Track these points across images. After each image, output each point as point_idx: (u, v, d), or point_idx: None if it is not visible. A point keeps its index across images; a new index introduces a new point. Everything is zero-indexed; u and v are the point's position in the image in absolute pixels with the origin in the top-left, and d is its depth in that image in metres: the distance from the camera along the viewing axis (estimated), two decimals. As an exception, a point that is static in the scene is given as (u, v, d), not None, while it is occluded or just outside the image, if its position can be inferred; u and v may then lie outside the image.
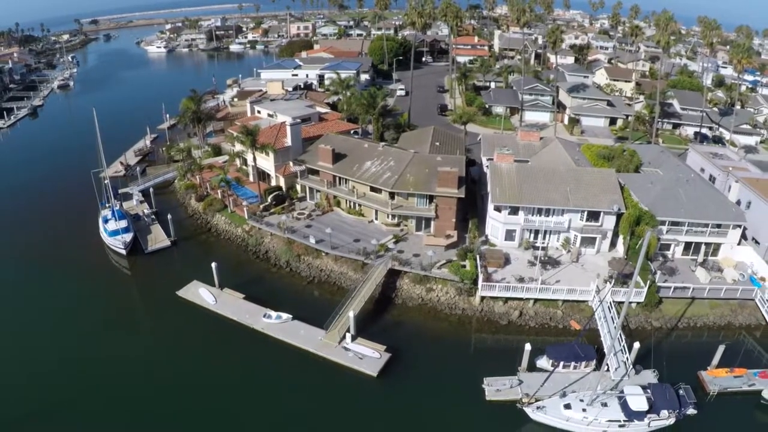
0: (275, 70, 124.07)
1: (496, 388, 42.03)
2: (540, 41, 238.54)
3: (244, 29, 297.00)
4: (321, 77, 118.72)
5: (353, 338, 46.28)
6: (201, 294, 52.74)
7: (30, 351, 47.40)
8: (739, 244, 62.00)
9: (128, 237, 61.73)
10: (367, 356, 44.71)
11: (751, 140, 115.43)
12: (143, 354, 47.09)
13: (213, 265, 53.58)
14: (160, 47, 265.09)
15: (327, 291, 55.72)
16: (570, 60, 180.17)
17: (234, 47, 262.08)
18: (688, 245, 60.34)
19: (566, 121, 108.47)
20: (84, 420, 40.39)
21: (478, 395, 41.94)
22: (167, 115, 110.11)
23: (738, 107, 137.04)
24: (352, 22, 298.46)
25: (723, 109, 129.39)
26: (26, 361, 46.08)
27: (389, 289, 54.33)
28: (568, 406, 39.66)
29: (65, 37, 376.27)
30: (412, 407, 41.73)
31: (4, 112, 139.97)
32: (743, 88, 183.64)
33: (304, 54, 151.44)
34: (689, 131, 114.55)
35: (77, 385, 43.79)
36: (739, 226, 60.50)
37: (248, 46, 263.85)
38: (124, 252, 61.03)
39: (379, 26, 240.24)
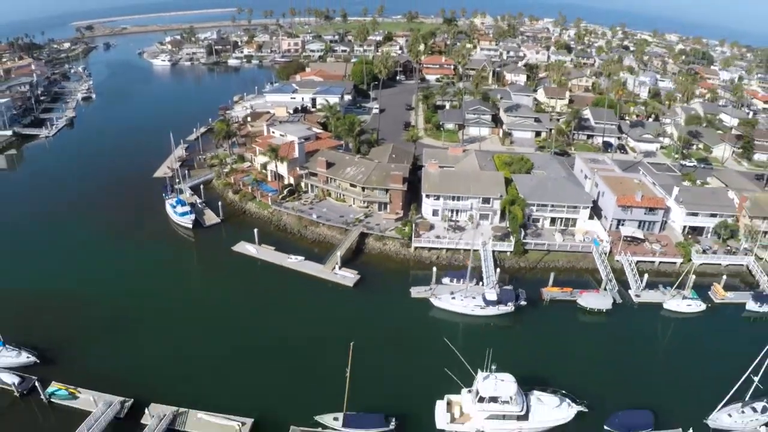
0: (277, 94, 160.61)
1: (417, 291, 78.91)
2: (505, 56, 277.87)
3: (240, 43, 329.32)
4: (314, 100, 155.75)
5: (339, 268, 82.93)
6: (247, 248, 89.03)
7: (132, 283, 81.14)
8: (591, 218, 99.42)
9: (192, 217, 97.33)
10: (347, 277, 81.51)
11: (652, 147, 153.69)
12: (211, 282, 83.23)
13: (255, 230, 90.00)
14: (164, 61, 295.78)
15: (323, 246, 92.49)
16: (523, 77, 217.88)
17: (232, 61, 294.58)
18: (553, 219, 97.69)
19: (501, 134, 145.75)
20: (179, 319, 75.76)
21: (407, 296, 78.80)
22: (195, 129, 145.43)
23: (651, 120, 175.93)
24: (337, 37, 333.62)
25: (633, 121, 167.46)
26: (131, 289, 79.42)
27: (361, 243, 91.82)
28: (453, 297, 76.46)
29: (66, 45, 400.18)
30: (371, 302, 78.46)
31: (47, 123, 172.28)
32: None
33: (298, 77, 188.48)
34: (599, 141, 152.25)
35: (173, 300, 78.87)
36: (587, 207, 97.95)
37: (244, 60, 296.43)
38: (190, 227, 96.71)
39: (361, 45, 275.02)
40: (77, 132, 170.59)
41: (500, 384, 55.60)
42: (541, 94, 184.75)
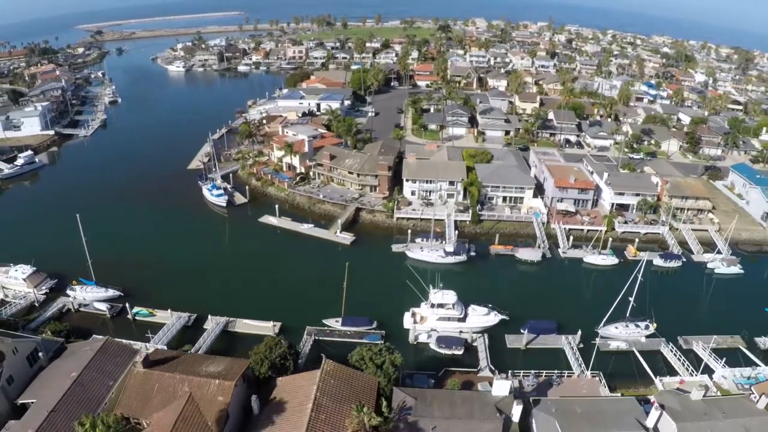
0: (287, 100, 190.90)
1: (396, 247, 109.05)
2: (492, 62, 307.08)
3: (248, 50, 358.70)
4: (318, 105, 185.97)
5: (340, 232, 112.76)
6: (270, 219, 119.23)
7: (185, 243, 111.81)
8: (535, 197, 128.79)
9: (226, 198, 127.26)
10: (346, 238, 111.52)
11: (606, 143, 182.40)
12: (244, 242, 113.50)
13: (276, 206, 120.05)
14: (179, 67, 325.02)
15: (328, 217, 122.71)
16: (504, 83, 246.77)
17: (241, 68, 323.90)
18: (505, 198, 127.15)
19: (476, 133, 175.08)
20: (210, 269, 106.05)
21: (389, 250, 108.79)
22: (218, 129, 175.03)
23: (610, 120, 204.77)
24: (338, 44, 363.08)
25: (592, 121, 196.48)
26: (185, 246, 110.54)
27: (356, 215, 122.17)
28: (422, 250, 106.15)
29: (80, 50, 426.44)
30: (363, 253, 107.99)
31: (84, 124, 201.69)
32: (645, 100, 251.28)
33: (304, 85, 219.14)
34: (560, 137, 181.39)
35: (216, 252, 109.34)
36: (531, 188, 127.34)
37: (253, 66, 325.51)
38: (224, 205, 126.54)
39: (360, 54, 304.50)
40: (110, 132, 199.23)
41: (445, 295, 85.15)
42: (517, 98, 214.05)
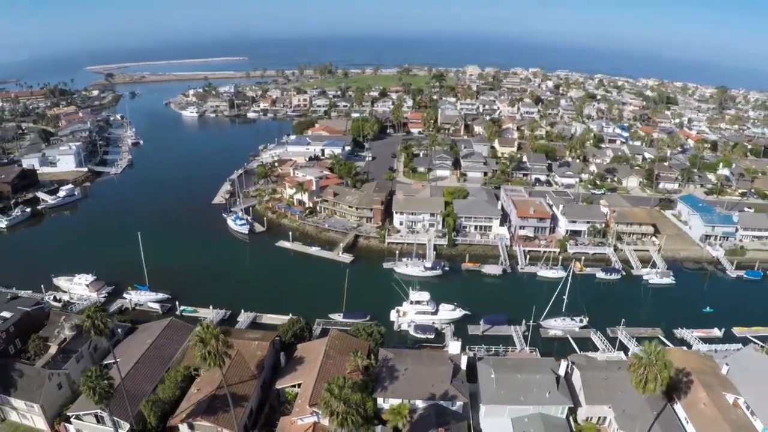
0: (295, 146, 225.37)
1: (386, 264, 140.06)
2: (481, 108, 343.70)
3: (256, 97, 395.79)
4: (323, 150, 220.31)
5: (342, 253, 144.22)
6: (284, 244, 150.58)
7: (216, 261, 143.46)
8: (501, 225, 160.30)
9: (247, 227, 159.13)
10: (347, 258, 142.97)
11: (572, 181, 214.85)
12: (264, 261, 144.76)
13: (289, 233, 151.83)
14: (193, 112, 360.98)
15: (332, 243, 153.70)
16: (493, 127, 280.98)
17: (251, 114, 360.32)
18: (477, 226, 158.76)
19: (459, 175, 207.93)
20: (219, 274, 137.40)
21: (380, 267, 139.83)
22: (236, 171, 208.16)
23: (579, 161, 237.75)
24: (339, 92, 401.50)
25: (561, 162, 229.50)
26: (217, 263, 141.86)
27: (355, 240, 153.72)
28: (407, 266, 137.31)
29: (95, 92, 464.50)
30: (359, 269, 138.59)
31: (115, 163, 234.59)
32: (618, 141, 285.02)
33: (309, 132, 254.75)
34: (532, 177, 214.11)
35: (243, 268, 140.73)
36: (497, 218, 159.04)
37: (261, 113, 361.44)
38: (246, 233, 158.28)
39: (360, 104, 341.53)
40: (137, 171, 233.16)
41: (422, 294, 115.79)
42: (497, 143, 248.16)
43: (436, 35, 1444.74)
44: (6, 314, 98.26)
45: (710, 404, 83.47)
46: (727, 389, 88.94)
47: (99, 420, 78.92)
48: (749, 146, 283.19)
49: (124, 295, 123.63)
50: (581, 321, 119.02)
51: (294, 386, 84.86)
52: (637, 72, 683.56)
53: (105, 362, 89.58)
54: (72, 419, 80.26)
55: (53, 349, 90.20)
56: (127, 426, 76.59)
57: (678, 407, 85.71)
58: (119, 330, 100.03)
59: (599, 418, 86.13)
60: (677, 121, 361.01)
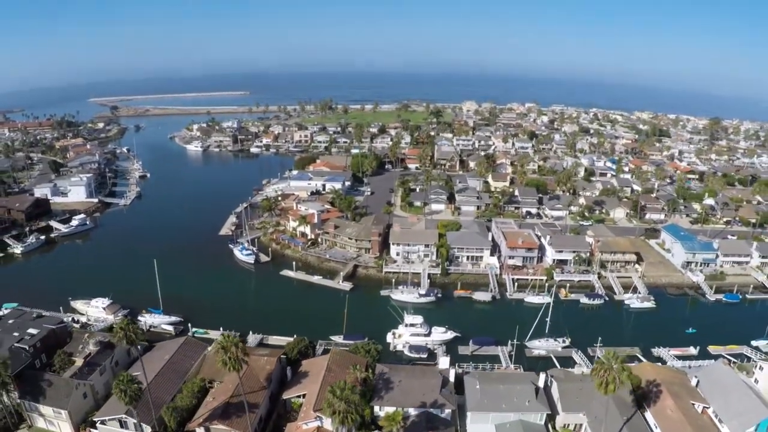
0: (298, 181, 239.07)
1: (383, 292, 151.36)
2: (477, 144, 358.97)
3: (258, 133, 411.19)
4: (324, 185, 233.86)
5: (342, 281, 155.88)
6: (288, 273, 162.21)
7: (225, 288, 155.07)
8: (492, 255, 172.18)
9: (253, 257, 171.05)
10: (347, 286, 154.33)
11: (561, 213, 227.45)
12: (269, 289, 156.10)
13: (293, 263, 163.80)
14: (197, 147, 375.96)
15: (333, 272, 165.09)
16: (484, 163, 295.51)
17: (253, 149, 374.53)
18: (469, 256, 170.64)
19: (453, 208, 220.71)
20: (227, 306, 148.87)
21: (378, 294, 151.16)
22: (241, 204, 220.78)
23: (569, 194, 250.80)
24: (339, 129, 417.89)
25: (551, 195, 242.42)
26: (225, 291, 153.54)
27: (354, 270, 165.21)
28: (402, 293, 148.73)
29: (101, 125, 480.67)
30: (359, 296, 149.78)
31: (124, 194, 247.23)
32: (609, 175, 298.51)
33: (311, 167, 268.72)
34: (523, 210, 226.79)
35: (249, 295, 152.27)
36: (488, 249, 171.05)
37: (264, 149, 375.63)
38: (252, 263, 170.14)
39: (360, 140, 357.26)
40: (145, 202, 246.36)
41: (416, 318, 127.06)
42: (490, 178, 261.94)
43: (438, 72, 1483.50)
44: (33, 331, 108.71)
45: (676, 410, 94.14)
46: (695, 399, 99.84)
47: (122, 425, 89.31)
48: (737, 176, 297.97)
49: (139, 317, 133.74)
50: (564, 341, 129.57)
51: (299, 396, 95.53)
52: (634, 105, 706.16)
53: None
54: (97, 424, 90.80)
55: (79, 362, 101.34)
56: (149, 429, 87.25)
57: (648, 414, 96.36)
58: (138, 347, 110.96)
59: (575, 425, 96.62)
60: (668, 153, 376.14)
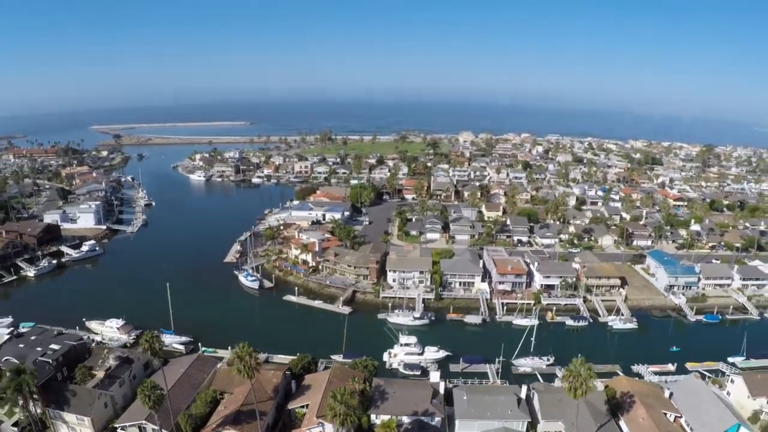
0: (299, 211, 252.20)
1: (381, 315, 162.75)
2: (472, 175, 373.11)
3: (260, 164, 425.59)
4: (324, 215, 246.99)
5: (342, 306, 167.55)
6: (291, 298, 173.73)
7: (231, 313, 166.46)
8: (483, 281, 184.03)
9: (258, 283, 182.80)
10: (346, 310, 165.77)
11: (551, 241, 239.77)
12: (272, 313, 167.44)
13: (295, 289, 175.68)
14: (200, 176, 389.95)
15: (333, 297, 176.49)
16: (477, 194, 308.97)
17: (255, 179, 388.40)
18: (461, 282, 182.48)
19: (447, 237, 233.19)
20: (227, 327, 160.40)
21: (375, 318, 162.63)
22: (244, 233, 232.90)
23: (558, 222, 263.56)
24: (338, 159, 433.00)
25: (542, 224, 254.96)
26: (231, 315, 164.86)
27: (353, 295, 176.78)
28: (398, 316, 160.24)
29: (104, 153, 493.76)
30: (357, 320, 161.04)
31: (132, 222, 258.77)
32: (599, 203, 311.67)
33: (311, 198, 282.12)
34: (514, 239, 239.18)
35: (254, 319, 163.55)
36: (479, 275, 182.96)
37: (265, 179, 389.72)
38: (256, 288, 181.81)
39: (358, 171, 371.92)
40: (151, 230, 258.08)
41: (410, 338, 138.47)
42: (484, 209, 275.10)
43: (433, 101, 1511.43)
44: (54, 346, 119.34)
45: (648, 419, 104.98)
46: (668, 409, 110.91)
47: (141, 431, 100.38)
48: (726, 202, 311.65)
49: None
50: (548, 359, 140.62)
51: (303, 406, 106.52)
52: (628, 133, 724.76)
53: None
54: (118, 430, 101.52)
55: (100, 375, 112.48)
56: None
57: (621, 422, 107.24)
58: (155, 362, 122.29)
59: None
60: (659, 181, 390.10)
